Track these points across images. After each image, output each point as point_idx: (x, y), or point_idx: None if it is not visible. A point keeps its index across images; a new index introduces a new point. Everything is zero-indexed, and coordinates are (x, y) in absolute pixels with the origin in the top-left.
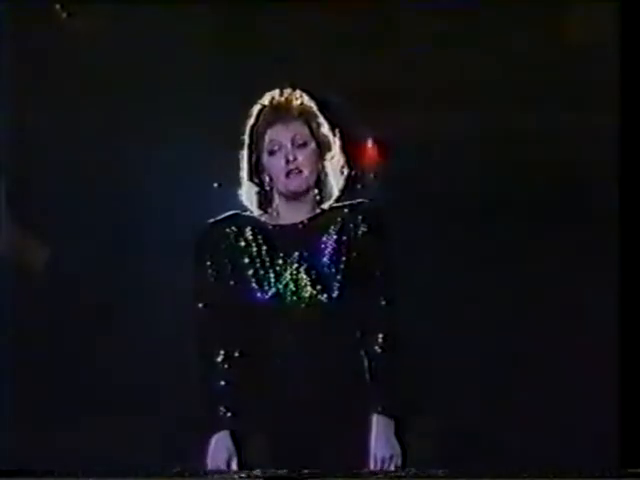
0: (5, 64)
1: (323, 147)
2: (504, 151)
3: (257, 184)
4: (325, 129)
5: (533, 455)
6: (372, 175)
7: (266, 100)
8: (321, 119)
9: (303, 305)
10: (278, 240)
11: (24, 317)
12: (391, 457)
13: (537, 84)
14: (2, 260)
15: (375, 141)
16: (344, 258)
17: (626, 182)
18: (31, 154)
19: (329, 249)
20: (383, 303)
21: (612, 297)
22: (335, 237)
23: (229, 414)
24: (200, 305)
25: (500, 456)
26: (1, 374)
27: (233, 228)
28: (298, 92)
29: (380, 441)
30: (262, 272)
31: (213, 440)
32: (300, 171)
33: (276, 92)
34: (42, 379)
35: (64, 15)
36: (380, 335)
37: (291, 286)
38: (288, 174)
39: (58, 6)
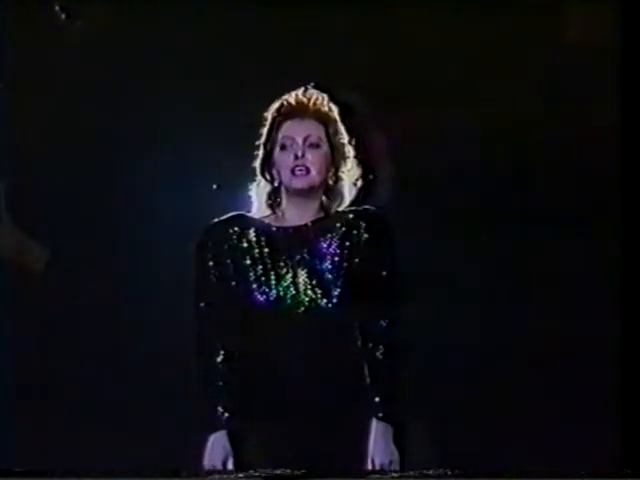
0: (4, 65)
1: (337, 154)
2: (513, 163)
3: (267, 180)
4: (342, 137)
5: (533, 455)
6: (382, 184)
7: (287, 97)
8: (340, 126)
9: (303, 309)
10: (281, 242)
11: (24, 317)
12: (390, 463)
13: (538, 84)
14: (1, 261)
15: (390, 150)
16: (346, 263)
17: (628, 183)
18: (31, 155)
19: (332, 253)
20: (384, 309)
21: (614, 296)
22: (338, 242)
23: (227, 414)
24: (201, 305)
25: (500, 456)
26: (1, 374)
27: (236, 229)
28: (321, 94)
29: (379, 447)
30: (264, 274)
31: (210, 440)
32: (307, 169)
33: (300, 90)
34: (41, 379)
35: (63, 17)
36: (380, 340)
37: (292, 289)
38: (294, 170)
39: (58, 8)
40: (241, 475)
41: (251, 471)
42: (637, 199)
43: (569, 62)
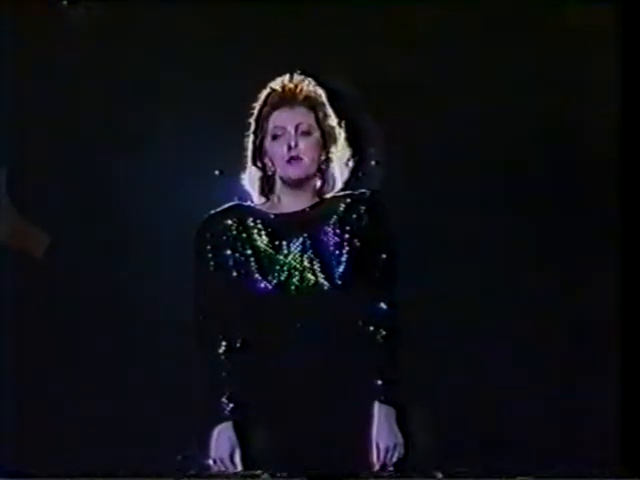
0: (5, 54)
1: (328, 137)
2: (506, 147)
3: (260, 168)
4: (332, 120)
5: (533, 455)
6: (376, 166)
7: (275, 84)
8: (328, 109)
9: (306, 294)
10: (280, 229)
11: (24, 312)
12: (395, 446)
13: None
14: (2, 251)
15: (381, 133)
16: (347, 246)
17: (626, 180)
18: (31, 141)
19: (331, 237)
20: (386, 292)
21: (613, 295)
22: (337, 225)
23: (231, 405)
24: (203, 295)
25: (500, 456)
26: (1, 374)
27: (234, 219)
28: (308, 79)
29: (383, 430)
30: (265, 261)
31: (216, 431)
32: (301, 159)
33: (286, 77)
34: (41, 377)
35: (65, 3)
36: (382, 324)
37: (293, 274)
38: (289, 161)
39: None
40: (248, 474)
41: (259, 471)
42: (637, 194)
43: (569, 57)
